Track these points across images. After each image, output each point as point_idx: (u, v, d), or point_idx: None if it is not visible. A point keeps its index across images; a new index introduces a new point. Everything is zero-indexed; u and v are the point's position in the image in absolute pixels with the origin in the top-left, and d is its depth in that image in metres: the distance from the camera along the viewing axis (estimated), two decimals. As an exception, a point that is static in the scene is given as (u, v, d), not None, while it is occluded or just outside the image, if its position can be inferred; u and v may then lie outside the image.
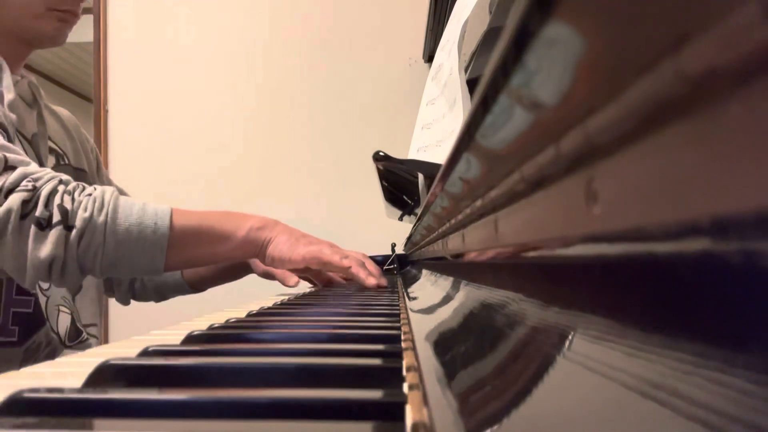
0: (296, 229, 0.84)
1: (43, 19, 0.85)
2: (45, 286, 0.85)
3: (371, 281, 0.82)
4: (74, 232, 0.67)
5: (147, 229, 0.71)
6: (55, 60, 4.71)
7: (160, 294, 1.07)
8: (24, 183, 0.67)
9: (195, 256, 0.77)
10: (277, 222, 0.82)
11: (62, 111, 1.02)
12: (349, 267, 0.80)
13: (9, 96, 0.80)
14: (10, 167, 0.67)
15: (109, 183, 1.09)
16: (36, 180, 0.68)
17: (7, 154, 0.68)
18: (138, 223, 0.71)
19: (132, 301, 1.10)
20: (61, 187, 0.69)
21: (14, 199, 0.66)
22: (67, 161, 0.95)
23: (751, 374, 0.09)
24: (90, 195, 0.70)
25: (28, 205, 0.66)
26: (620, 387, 0.13)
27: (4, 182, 0.66)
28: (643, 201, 0.12)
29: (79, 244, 0.68)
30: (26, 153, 0.83)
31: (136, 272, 0.74)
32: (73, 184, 0.71)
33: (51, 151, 0.92)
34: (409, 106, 1.36)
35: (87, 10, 2.17)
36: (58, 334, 0.85)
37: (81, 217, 0.68)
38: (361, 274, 0.82)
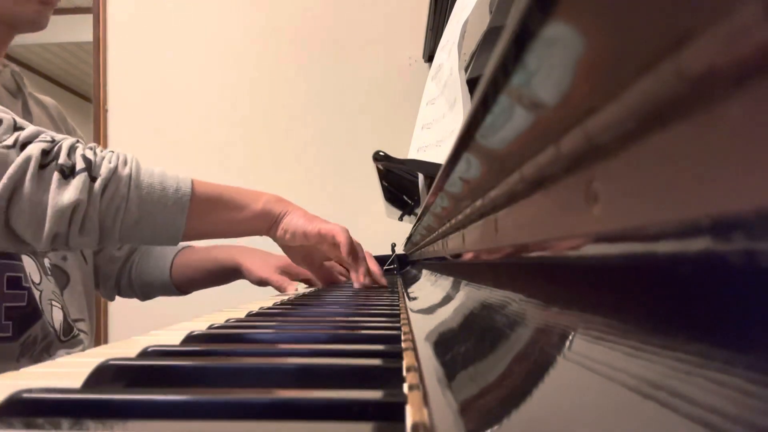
0: (306, 211, 0.85)
1: (25, 2, 0.84)
2: (36, 280, 0.83)
3: (359, 281, 0.84)
4: (99, 181, 0.66)
5: (170, 188, 0.71)
6: (54, 60, 4.71)
7: (146, 293, 1.06)
8: (42, 136, 0.65)
9: (214, 224, 0.77)
10: (289, 202, 0.84)
11: (47, 100, 1.00)
12: (354, 258, 0.82)
13: None
14: (19, 127, 0.66)
15: None
16: (54, 135, 0.67)
17: (15, 117, 0.66)
18: (160, 182, 0.70)
19: (133, 301, 1.10)
20: (80, 143, 0.68)
21: (33, 149, 0.63)
22: None
23: (751, 374, 0.09)
24: (112, 152, 0.69)
25: (48, 155, 0.64)
26: (620, 387, 0.13)
27: (19, 136, 0.64)
28: (643, 201, 0.12)
29: (103, 194, 0.66)
30: None
31: (156, 235, 0.71)
32: (92, 143, 0.70)
33: None
34: (409, 106, 1.36)
35: (87, 10, 2.17)
36: (54, 328, 0.84)
37: (106, 167, 0.67)
38: (359, 271, 0.83)
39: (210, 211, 0.75)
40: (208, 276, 1.05)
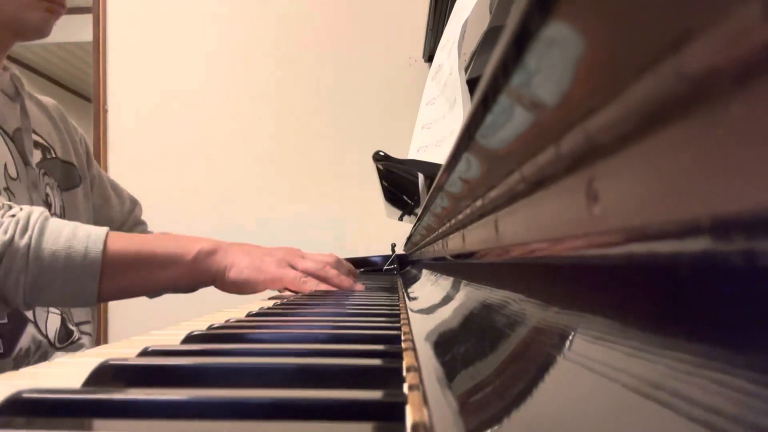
0: (251, 247, 0.79)
1: (32, 9, 0.84)
2: None
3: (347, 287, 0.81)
4: None
5: (77, 254, 0.64)
6: (54, 60, 4.71)
7: (155, 291, 1.05)
8: None
9: (134, 284, 0.70)
10: (231, 244, 0.77)
11: (47, 100, 1.00)
12: (306, 287, 0.77)
13: None
14: None
15: (100, 176, 1.06)
16: None
17: None
18: (66, 247, 0.64)
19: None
20: None
21: None
22: (54, 154, 0.93)
23: (752, 374, 0.09)
24: (14, 216, 0.64)
25: None
26: (620, 387, 0.13)
27: None
28: (643, 201, 0.12)
29: None
30: (8, 150, 0.82)
31: (66, 302, 0.67)
32: (1, 203, 0.65)
33: (37, 145, 0.89)
34: (409, 106, 1.36)
35: (86, 10, 2.17)
36: (46, 336, 0.82)
37: (0, 239, 0.61)
38: (311, 285, 0.78)
39: (128, 272, 0.69)
40: None
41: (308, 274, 0.78)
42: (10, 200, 0.79)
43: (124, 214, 1.09)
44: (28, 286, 0.63)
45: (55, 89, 5.12)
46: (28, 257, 0.62)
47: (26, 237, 0.62)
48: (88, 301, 0.66)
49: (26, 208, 0.66)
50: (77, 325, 0.90)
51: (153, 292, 0.74)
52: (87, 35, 2.00)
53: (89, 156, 1.05)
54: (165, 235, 0.82)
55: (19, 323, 0.79)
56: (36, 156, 0.88)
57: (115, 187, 1.10)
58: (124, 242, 0.69)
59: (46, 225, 0.64)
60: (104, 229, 0.67)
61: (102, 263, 0.65)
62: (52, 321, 0.84)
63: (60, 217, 0.91)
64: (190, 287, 0.75)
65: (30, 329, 0.80)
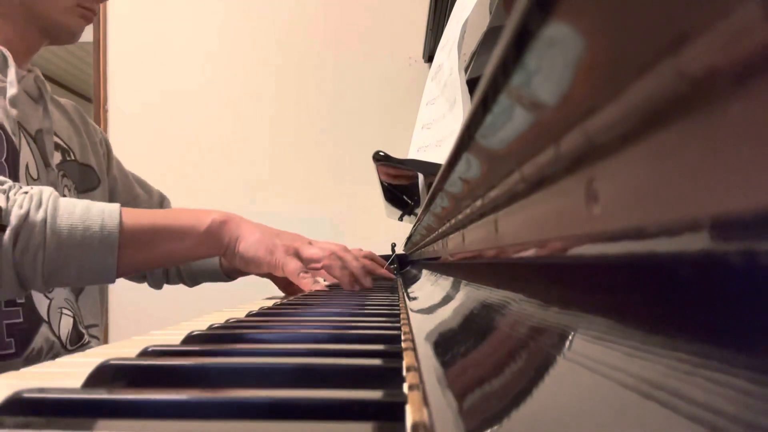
0: (262, 225, 0.78)
1: (71, 13, 0.85)
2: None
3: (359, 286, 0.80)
4: (8, 231, 0.59)
5: (94, 227, 0.64)
6: (54, 59, 4.71)
7: (193, 280, 1.04)
8: None
9: (152, 257, 0.70)
10: (242, 218, 0.77)
11: (66, 102, 1.00)
12: (303, 282, 0.75)
13: (12, 91, 0.79)
14: None
15: (124, 175, 1.06)
16: None
17: None
18: (83, 221, 0.63)
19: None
20: None
21: None
22: (72, 156, 0.93)
23: (751, 374, 0.09)
24: (26, 193, 0.63)
25: None
26: (620, 387, 0.13)
27: None
28: (643, 201, 0.12)
29: (15, 245, 0.60)
30: (30, 151, 0.82)
31: (85, 278, 0.65)
32: (9, 183, 0.64)
33: (57, 146, 0.89)
34: (409, 106, 1.36)
35: (87, 10, 2.17)
36: (59, 337, 0.82)
37: (16, 214, 0.60)
38: (344, 283, 0.78)
39: (144, 245, 0.68)
40: None
41: (312, 260, 0.77)
42: None
43: (156, 208, 1.09)
44: (46, 263, 0.62)
45: (56, 89, 5.12)
46: (45, 232, 0.61)
47: (41, 211, 0.62)
48: (107, 276, 0.66)
49: (36, 186, 0.64)
50: (87, 327, 0.90)
51: (169, 264, 0.75)
52: (87, 35, 1.99)
53: (110, 157, 1.05)
54: (177, 209, 0.82)
55: (33, 323, 0.79)
56: (56, 157, 0.88)
57: (143, 184, 1.10)
58: (138, 216, 0.68)
59: (58, 202, 0.64)
60: (116, 205, 0.67)
61: (119, 237, 0.65)
62: (65, 322, 0.84)
63: None
64: (204, 256, 0.76)
65: (44, 329, 0.80)
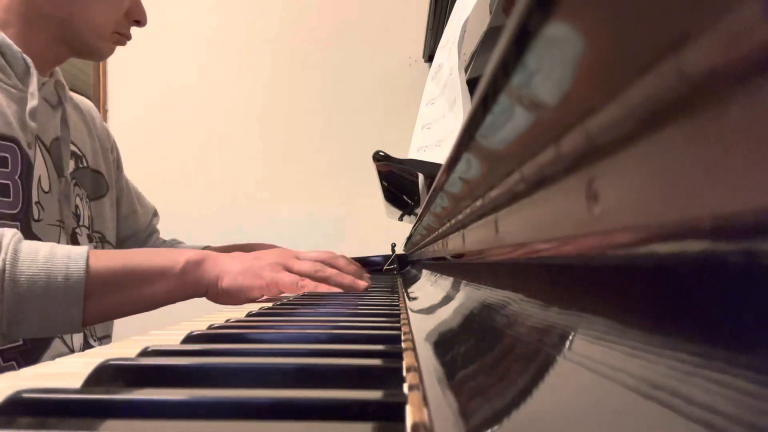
0: (240, 253, 0.75)
1: (106, 39, 0.86)
2: None
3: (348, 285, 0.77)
4: None
5: (57, 276, 0.59)
6: (55, 60, 4.71)
7: None
8: None
9: (121, 304, 0.65)
10: (218, 253, 0.73)
11: (83, 101, 0.99)
12: (304, 287, 0.72)
13: (33, 103, 0.78)
14: None
15: (128, 187, 1.06)
16: None
17: None
18: (45, 269, 0.59)
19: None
20: None
21: None
22: (85, 163, 0.93)
23: (752, 374, 0.09)
24: None
25: None
26: (620, 387, 0.13)
27: None
28: (643, 201, 0.12)
29: None
30: (44, 162, 0.81)
31: (50, 330, 0.61)
32: None
33: (72, 154, 0.88)
34: (409, 106, 1.36)
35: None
36: (72, 349, 0.80)
37: None
38: (310, 287, 0.74)
39: (114, 291, 0.64)
40: None
41: (304, 276, 0.73)
42: (39, 214, 0.78)
43: (146, 225, 1.08)
44: (5, 315, 0.57)
45: (55, 89, 5.11)
46: (2, 283, 0.57)
47: None
48: (73, 327, 0.61)
49: None
50: (100, 339, 0.89)
51: (141, 310, 0.69)
52: (87, 35, 2.00)
53: (119, 165, 1.04)
54: (147, 250, 0.80)
55: (39, 342, 0.76)
56: (70, 166, 0.87)
57: (141, 198, 1.10)
58: (106, 260, 0.64)
59: (20, 247, 0.59)
60: (84, 249, 0.63)
61: (85, 284, 0.60)
62: (77, 337, 0.82)
63: (88, 228, 0.90)
64: (180, 300, 0.71)
65: (56, 344, 0.77)
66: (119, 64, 1.96)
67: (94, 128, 0.98)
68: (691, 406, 0.10)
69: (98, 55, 0.88)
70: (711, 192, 0.09)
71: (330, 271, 0.76)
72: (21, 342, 0.73)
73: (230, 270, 0.70)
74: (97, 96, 1.95)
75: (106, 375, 0.27)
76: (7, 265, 0.57)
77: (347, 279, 0.77)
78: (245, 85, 1.93)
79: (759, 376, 0.09)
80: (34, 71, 0.80)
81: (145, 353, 0.32)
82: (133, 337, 0.42)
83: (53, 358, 0.77)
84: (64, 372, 0.30)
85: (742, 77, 0.08)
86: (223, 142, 1.92)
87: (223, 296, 0.70)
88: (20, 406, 0.21)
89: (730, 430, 0.09)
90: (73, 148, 0.90)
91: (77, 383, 0.26)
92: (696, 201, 0.10)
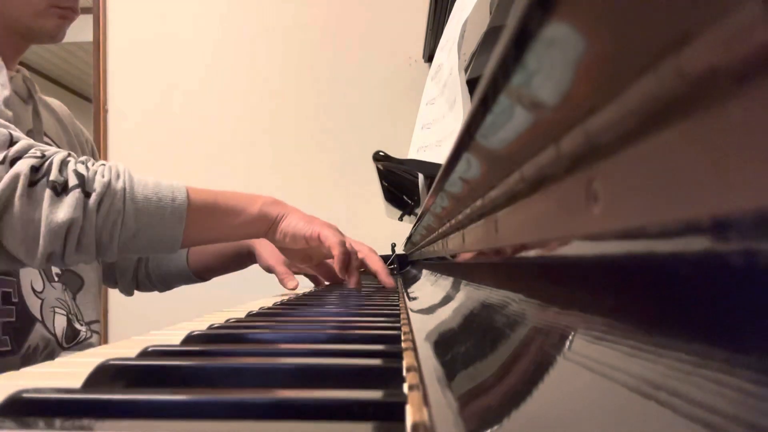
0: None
1: (44, 16, 0.85)
2: (39, 288, 0.83)
3: (351, 283, 0.84)
4: (93, 196, 0.64)
5: (165, 198, 0.69)
6: (54, 60, 4.71)
7: (165, 283, 1.06)
8: (32, 151, 0.64)
9: (211, 230, 0.76)
10: (286, 204, 0.84)
11: (55, 102, 1.00)
12: (345, 271, 0.81)
13: (5, 93, 0.79)
14: (15, 141, 0.64)
15: None
16: (44, 150, 0.65)
17: (12, 132, 0.65)
18: (156, 192, 0.69)
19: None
20: (71, 158, 0.66)
21: (22, 165, 0.62)
22: None
23: (752, 374, 0.09)
24: (104, 164, 0.68)
25: (39, 172, 0.63)
26: (620, 387, 0.13)
27: (8, 152, 0.63)
28: (643, 201, 0.12)
29: (99, 210, 0.64)
30: None
31: (154, 246, 0.70)
32: (83, 156, 0.69)
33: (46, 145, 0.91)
34: (409, 106, 1.36)
35: (86, 10, 2.17)
36: (54, 335, 0.83)
37: (99, 181, 0.65)
38: (350, 281, 0.83)
39: (207, 218, 0.75)
40: (225, 261, 1.04)
41: (353, 249, 0.84)
42: None
43: None
44: (124, 229, 0.66)
45: (55, 89, 5.12)
46: (125, 199, 0.66)
47: (121, 181, 0.67)
48: (173, 245, 0.71)
49: (108, 162, 0.70)
50: (89, 324, 0.90)
51: (223, 240, 0.80)
52: (87, 35, 2.00)
53: (95, 156, 1.05)
54: (229, 191, 0.85)
55: (27, 322, 0.80)
56: None
57: None
58: (201, 192, 0.75)
59: (133, 175, 0.69)
60: (181, 182, 0.73)
61: (187, 207, 0.71)
62: (59, 321, 0.85)
63: None
64: (253, 235, 0.82)
65: (38, 327, 0.81)
66: (119, 64, 1.96)
67: (70, 125, 0.99)
68: (691, 406, 0.10)
69: (47, 34, 0.86)
70: (711, 192, 0.09)
71: (375, 256, 0.90)
72: (14, 318, 0.78)
73: (291, 216, 0.81)
74: (97, 96, 1.95)
75: (106, 375, 0.27)
76: (126, 187, 0.67)
77: (385, 270, 0.88)
78: (245, 86, 1.93)
79: (759, 376, 0.09)
80: (1, 64, 0.80)
81: (145, 353, 0.32)
82: (133, 337, 0.42)
83: (39, 338, 0.79)
84: (64, 372, 0.30)
85: (742, 77, 0.08)
86: (222, 142, 1.92)
87: (278, 236, 0.80)
88: (21, 405, 0.21)
89: (730, 430, 0.09)
90: (48, 141, 0.90)
91: (77, 383, 0.26)
92: (696, 201, 0.10)
